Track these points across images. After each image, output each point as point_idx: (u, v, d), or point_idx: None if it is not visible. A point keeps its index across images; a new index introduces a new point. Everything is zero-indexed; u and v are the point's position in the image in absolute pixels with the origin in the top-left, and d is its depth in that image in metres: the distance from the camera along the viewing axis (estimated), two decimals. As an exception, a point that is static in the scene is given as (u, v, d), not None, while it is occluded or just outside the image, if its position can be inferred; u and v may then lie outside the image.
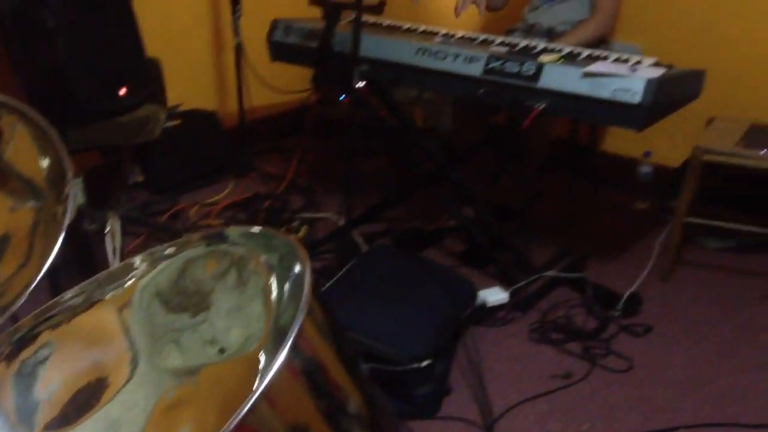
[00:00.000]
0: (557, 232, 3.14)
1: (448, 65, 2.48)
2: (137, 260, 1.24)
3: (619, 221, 3.33)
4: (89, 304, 1.25)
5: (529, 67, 2.32)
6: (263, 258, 1.13)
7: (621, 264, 2.93)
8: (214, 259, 1.20)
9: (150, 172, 3.45)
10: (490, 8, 3.16)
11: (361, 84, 2.50)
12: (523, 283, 2.62)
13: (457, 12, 2.77)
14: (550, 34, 3.05)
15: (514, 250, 2.79)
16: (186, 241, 1.22)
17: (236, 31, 3.52)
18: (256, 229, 1.15)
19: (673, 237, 2.75)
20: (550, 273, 2.71)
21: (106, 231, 1.37)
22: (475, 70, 2.42)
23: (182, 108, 3.56)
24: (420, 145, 2.87)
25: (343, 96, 2.58)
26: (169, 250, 1.23)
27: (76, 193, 1.29)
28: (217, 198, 3.42)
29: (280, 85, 3.23)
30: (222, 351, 1.20)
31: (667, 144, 3.30)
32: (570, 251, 2.93)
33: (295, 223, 3.08)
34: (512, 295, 2.58)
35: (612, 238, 3.16)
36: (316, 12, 2.65)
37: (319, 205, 3.34)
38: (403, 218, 3.21)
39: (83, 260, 1.40)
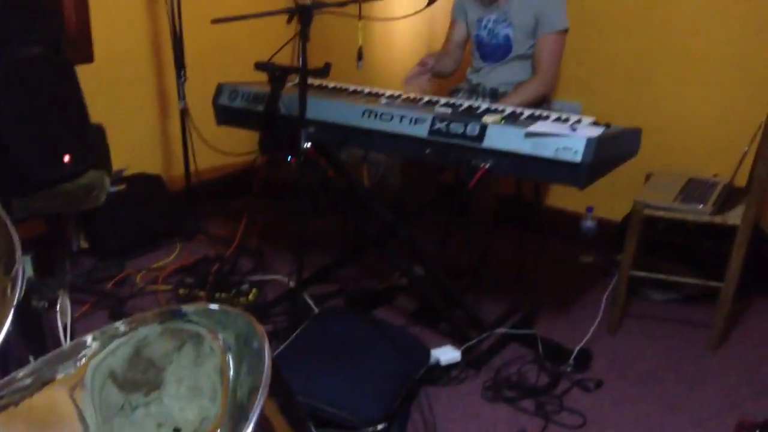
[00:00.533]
0: (507, 288, 3.18)
1: (394, 127, 2.52)
2: (89, 338, 1.22)
3: (567, 275, 3.38)
4: (40, 385, 1.21)
5: (473, 128, 2.38)
6: (220, 336, 1.12)
7: (570, 318, 2.97)
8: (169, 337, 1.19)
9: (95, 239, 3.40)
10: (438, 76, 3.24)
11: (308, 145, 2.52)
12: (475, 340, 2.63)
13: (406, 82, 2.86)
14: (494, 95, 3.12)
15: (465, 307, 2.81)
16: (140, 319, 1.20)
17: (181, 96, 3.53)
18: (213, 306, 1.14)
19: (619, 290, 2.81)
20: (502, 330, 2.74)
21: (56, 307, 1.34)
22: (421, 131, 2.47)
23: (127, 172, 3.53)
24: (369, 205, 2.90)
25: (290, 157, 2.60)
26: (123, 328, 1.21)
27: (24, 270, 1.27)
28: (164, 262, 3.38)
29: (226, 147, 3.24)
30: (177, 431, 1.18)
31: (608, 199, 3.38)
32: (520, 307, 2.97)
33: (245, 286, 3.05)
34: (465, 354, 2.59)
35: (560, 292, 3.21)
36: (260, 75, 2.67)
37: (268, 267, 3.32)
38: (354, 278, 3.21)
39: (32, 338, 1.37)
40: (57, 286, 1.48)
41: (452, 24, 3.32)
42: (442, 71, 3.27)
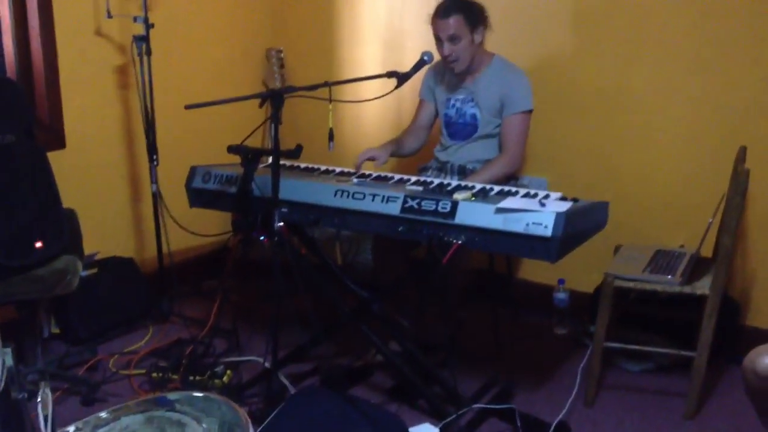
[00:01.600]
0: (483, 362, 3.18)
1: (366, 205, 2.56)
2: (72, 429, 1.21)
3: (542, 347, 3.40)
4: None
5: (444, 205, 2.42)
6: (204, 423, 1.12)
7: (547, 391, 2.97)
8: (153, 426, 1.18)
9: (66, 324, 3.36)
10: (399, 155, 3.31)
11: (280, 225, 2.55)
12: (453, 417, 2.62)
13: (357, 167, 2.92)
14: (462, 172, 3.19)
15: (442, 382, 2.80)
16: (123, 407, 1.20)
17: (154, 179, 3.55)
18: (196, 393, 1.14)
19: (594, 362, 2.83)
20: (479, 405, 2.73)
21: (38, 399, 1.33)
22: (393, 209, 2.51)
23: (99, 256, 3.52)
24: (342, 282, 2.91)
25: (263, 237, 2.62)
26: (106, 417, 1.20)
27: (5, 362, 1.26)
28: (136, 346, 3.34)
29: (198, 229, 3.25)
30: None
31: (579, 271, 3.43)
32: (497, 381, 2.97)
33: (219, 368, 3.02)
34: (443, 430, 2.57)
35: (536, 364, 3.22)
36: (231, 158, 2.71)
37: (243, 348, 3.30)
38: (330, 356, 3.20)
39: (13, 429, 1.35)
40: (37, 377, 1.46)
41: (420, 104, 3.40)
42: (406, 152, 3.33)
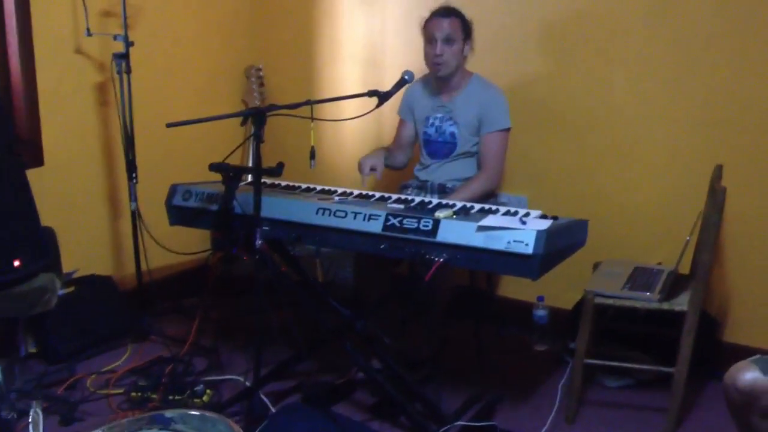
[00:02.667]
0: (465, 378, 3.18)
1: (348, 223, 2.57)
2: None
3: (523, 364, 3.41)
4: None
5: (426, 223, 2.43)
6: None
7: (528, 407, 2.98)
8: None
9: (44, 342, 3.32)
10: (391, 167, 3.33)
11: (262, 242, 2.55)
12: (435, 434, 2.62)
13: (363, 183, 2.95)
14: (443, 190, 3.21)
15: (424, 400, 2.81)
16: (118, 425, 1.19)
17: (133, 197, 3.53)
18: (193, 411, 1.14)
19: (575, 379, 2.84)
20: (462, 423, 2.73)
21: (29, 420, 1.31)
22: (375, 227, 2.51)
23: (77, 274, 3.49)
24: (324, 300, 2.91)
25: (244, 255, 2.62)
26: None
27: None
28: (115, 365, 3.31)
29: (178, 246, 3.23)
30: None
31: (558, 288, 3.45)
32: (479, 397, 2.97)
33: (199, 387, 3.00)
34: (425, 448, 2.57)
35: (517, 381, 3.22)
36: (211, 176, 2.71)
37: (223, 366, 3.28)
38: (311, 373, 3.19)
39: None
40: (15, 396, 1.44)
41: (400, 123, 3.43)
42: (396, 164, 3.37)
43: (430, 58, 3.15)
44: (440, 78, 3.20)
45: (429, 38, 3.15)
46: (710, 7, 3.09)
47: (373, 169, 3.11)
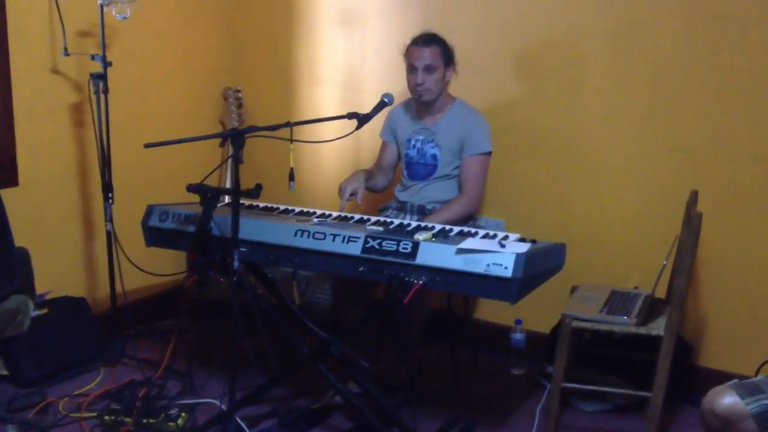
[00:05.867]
0: (442, 402, 3.17)
1: (327, 245, 2.55)
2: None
3: (500, 387, 3.40)
4: None
5: (405, 245, 2.43)
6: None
7: (506, 431, 2.97)
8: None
9: (15, 365, 3.26)
10: (371, 190, 3.33)
11: (238, 264, 2.53)
12: (412, 459, 2.61)
13: (341, 207, 2.94)
14: (422, 212, 3.22)
15: (401, 424, 2.79)
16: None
17: (108, 218, 3.50)
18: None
19: (552, 403, 2.84)
20: (439, 447, 2.72)
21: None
22: (354, 249, 2.50)
23: (50, 296, 3.45)
24: (301, 322, 2.89)
25: (215, 275, 2.61)
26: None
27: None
28: (87, 388, 3.26)
29: (153, 267, 3.20)
30: None
31: (535, 311, 3.46)
32: (456, 422, 2.96)
33: (174, 411, 2.96)
34: (403, 473, 2.55)
35: (495, 405, 3.22)
36: (188, 197, 2.69)
37: (198, 390, 3.24)
38: (288, 397, 3.16)
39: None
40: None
41: (383, 145, 3.45)
42: (377, 187, 3.38)
43: (412, 86, 3.17)
44: (422, 103, 3.22)
45: (410, 67, 3.17)
46: (682, 35, 3.14)
47: (353, 194, 3.11)
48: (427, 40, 3.15)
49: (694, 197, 2.91)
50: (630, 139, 3.31)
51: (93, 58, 3.42)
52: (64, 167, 3.61)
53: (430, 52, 3.12)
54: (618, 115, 3.32)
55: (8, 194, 3.12)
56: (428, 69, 3.12)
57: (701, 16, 3.09)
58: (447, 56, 3.17)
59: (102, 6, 3.37)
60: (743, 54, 3.02)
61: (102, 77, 3.42)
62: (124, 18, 3.40)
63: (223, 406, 2.94)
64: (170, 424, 2.91)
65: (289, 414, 3.01)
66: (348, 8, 3.97)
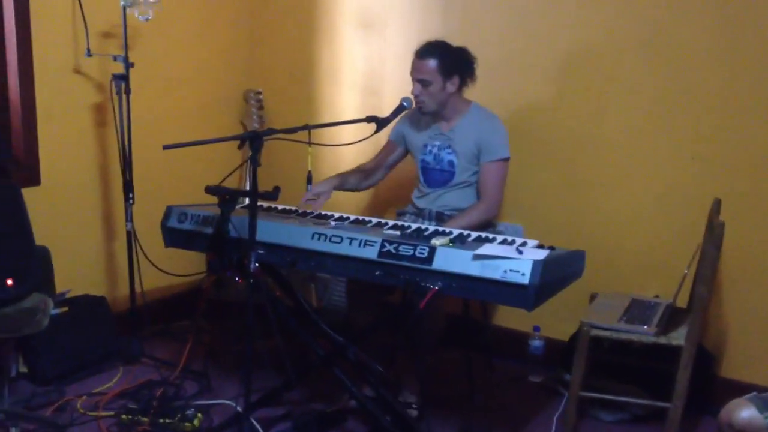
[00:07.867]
0: (457, 408, 3.15)
1: (344, 249, 2.54)
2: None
3: (516, 395, 3.38)
4: None
5: (422, 250, 2.41)
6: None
7: (521, 440, 2.96)
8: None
9: (34, 363, 3.29)
10: (355, 190, 3.31)
11: (256, 266, 2.53)
12: (426, 465, 2.59)
13: (299, 204, 2.99)
14: (440, 218, 3.20)
15: (415, 429, 2.77)
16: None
17: (129, 218, 3.52)
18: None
19: (570, 411, 2.81)
20: (453, 453, 2.70)
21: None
22: (371, 253, 2.49)
23: (70, 294, 3.47)
24: (316, 325, 2.88)
25: (238, 278, 2.60)
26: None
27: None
28: (105, 387, 3.27)
29: (172, 268, 3.21)
30: None
31: (554, 318, 3.43)
32: (471, 429, 2.94)
33: (190, 411, 2.97)
34: (416, 479, 2.54)
35: (511, 412, 3.19)
36: (207, 198, 2.70)
37: (214, 391, 3.24)
38: (303, 400, 3.16)
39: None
40: (3, 417, 1.41)
41: (387, 144, 3.42)
42: (360, 186, 3.38)
43: (413, 96, 3.16)
44: (422, 114, 3.21)
45: (411, 76, 3.16)
46: (705, 42, 3.10)
47: (316, 198, 3.08)
48: (423, 52, 3.10)
49: (716, 206, 2.87)
50: (652, 147, 3.27)
51: (115, 59, 3.44)
52: (85, 167, 3.63)
53: (425, 67, 3.08)
54: (639, 121, 3.29)
55: (30, 193, 3.15)
56: (423, 83, 3.10)
57: (724, 26, 3.05)
58: (447, 68, 3.09)
59: (124, 8, 3.39)
60: (767, 63, 2.98)
61: (124, 78, 3.43)
62: (147, 19, 3.41)
63: (239, 408, 2.95)
64: (186, 424, 2.91)
65: (304, 417, 3.01)
66: (368, 12, 3.97)
